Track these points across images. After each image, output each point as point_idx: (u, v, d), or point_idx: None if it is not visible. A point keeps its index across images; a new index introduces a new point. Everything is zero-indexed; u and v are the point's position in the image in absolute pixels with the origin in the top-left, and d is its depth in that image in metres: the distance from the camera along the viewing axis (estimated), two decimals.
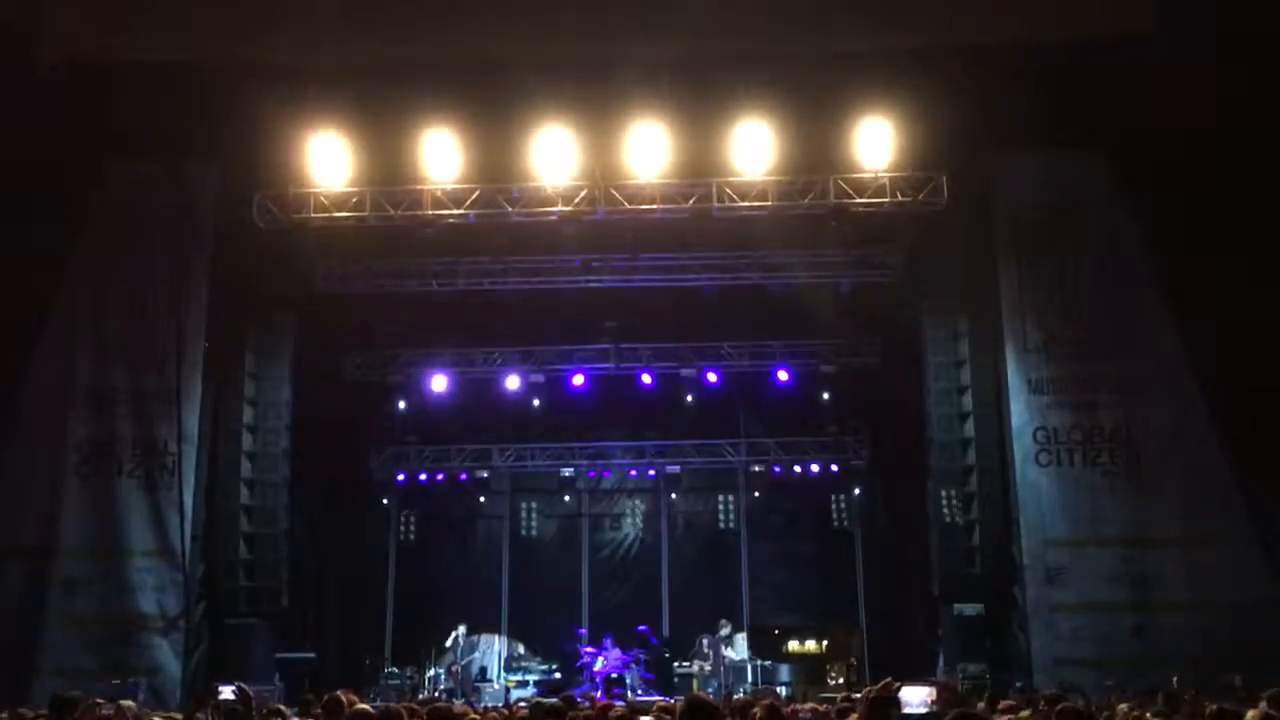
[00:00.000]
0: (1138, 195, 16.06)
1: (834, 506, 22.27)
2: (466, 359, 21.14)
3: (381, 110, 15.63)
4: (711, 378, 20.64)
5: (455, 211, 16.39)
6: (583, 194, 16.22)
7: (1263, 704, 8.38)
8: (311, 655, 18.60)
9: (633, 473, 22.53)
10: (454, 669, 19.70)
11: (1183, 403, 16.02)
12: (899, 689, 11.89)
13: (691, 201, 16.35)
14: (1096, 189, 16.55)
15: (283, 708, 10.10)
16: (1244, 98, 14.14)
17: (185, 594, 16.04)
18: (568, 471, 21.95)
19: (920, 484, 18.31)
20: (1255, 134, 14.20)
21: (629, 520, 23.06)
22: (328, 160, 15.81)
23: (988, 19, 14.74)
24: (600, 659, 19.58)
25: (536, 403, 20.94)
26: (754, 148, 15.68)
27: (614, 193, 16.23)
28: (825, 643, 19.40)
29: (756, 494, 22.54)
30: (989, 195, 16.75)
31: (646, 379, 20.73)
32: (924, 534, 18.36)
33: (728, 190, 16.21)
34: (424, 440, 21.71)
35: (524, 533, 22.95)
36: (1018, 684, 15.64)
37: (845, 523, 22.27)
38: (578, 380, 20.75)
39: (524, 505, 23.04)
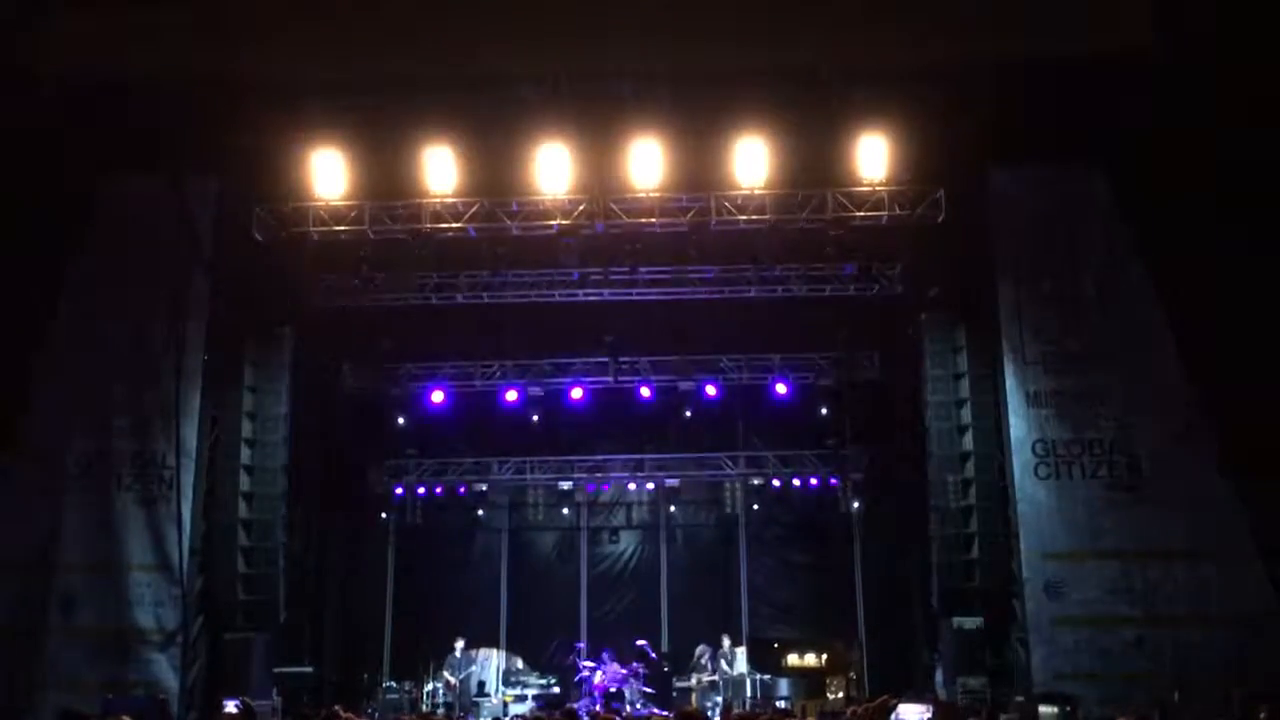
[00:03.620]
0: (1136, 206, 16.07)
1: (832, 519, 22.24)
2: (465, 372, 21.13)
3: (381, 124, 15.68)
4: (710, 391, 20.62)
5: (454, 225, 16.45)
6: (581, 207, 16.28)
7: (1262, 716, 8.40)
8: (310, 669, 18.55)
9: (631, 486, 22.51)
10: (452, 683, 19.66)
11: (1183, 415, 16.00)
12: (895, 706, 11.88)
13: (690, 215, 16.40)
14: (1095, 200, 16.55)
15: None
16: (1243, 104, 14.18)
17: (183, 608, 16.00)
18: (566, 485, 21.93)
19: (919, 497, 18.28)
20: (1255, 140, 14.22)
21: (628, 533, 23.03)
22: (327, 174, 15.85)
23: (985, 34, 14.76)
24: (599, 673, 19.54)
25: (535, 416, 20.94)
26: (752, 162, 15.73)
27: (613, 206, 16.29)
28: (824, 656, 19.32)
29: (755, 507, 22.52)
30: (987, 208, 16.77)
31: (645, 392, 20.70)
32: (923, 547, 18.33)
33: (726, 204, 16.27)
34: (423, 454, 21.69)
35: (522, 546, 22.93)
36: (1018, 698, 15.62)
37: (844, 536, 22.23)
38: (576, 393, 20.73)
39: (523, 518, 23.02)
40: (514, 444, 21.67)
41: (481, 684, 20.29)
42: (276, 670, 17.52)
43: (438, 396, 20.90)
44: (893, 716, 13.37)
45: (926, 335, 18.13)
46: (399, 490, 21.92)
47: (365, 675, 20.35)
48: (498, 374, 21.04)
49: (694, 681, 19.78)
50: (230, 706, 13.53)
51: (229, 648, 16.94)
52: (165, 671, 15.82)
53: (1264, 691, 12.43)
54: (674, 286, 18.67)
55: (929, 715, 14.50)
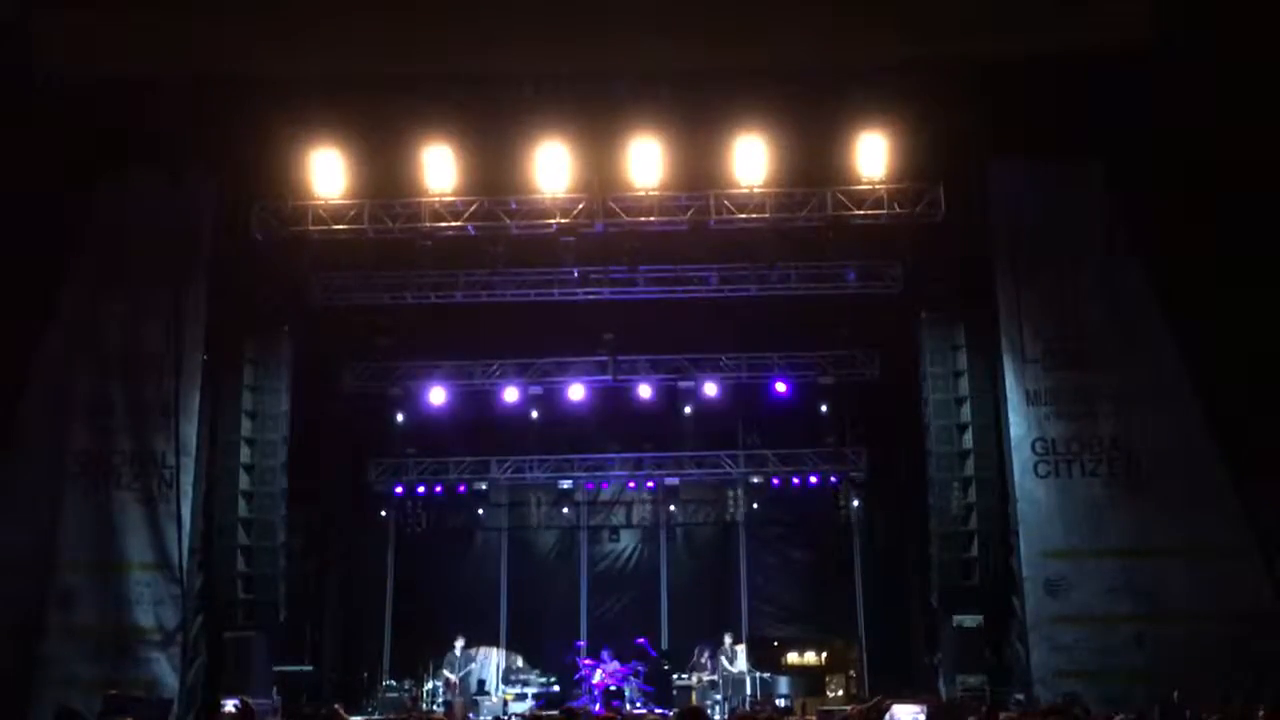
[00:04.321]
0: (1136, 203, 16.06)
1: (832, 518, 22.26)
2: (465, 371, 21.12)
3: (380, 123, 15.67)
4: (710, 389, 20.62)
5: (454, 224, 16.44)
6: (581, 206, 16.28)
7: (1261, 715, 8.41)
8: (309, 668, 18.55)
9: (631, 485, 22.49)
10: (452, 681, 19.66)
11: (1182, 412, 15.99)
12: (889, 706, 11.88)
13: (690, 214, 16.39)
14: (1094, 197, 16.55)
15: None
16: (1242, 101, 14.18)
17: (183, 607, 16.00)
18: (566, 483, 21.91)
19: (919, 495, 18.30)
20: (1254, 137, 14.22)
21: (627, 532, 23.04)
22: (326, 172, 15.85)
23: (984, 30, 14.76)
24: (599, 671, 19.54)
25: (535, 415, 20.94)
26: (752, 160, 15.74)
27: (612, 205, 16.29)
28: (824, 655, 19.35)
29: (755, 505, 22.53)
30: (986, 206, 16.77)
31: (645, 391, 20.71)
32: (923, 545, 18.35)
33: (726, 202, 16.26)
34: (422, 452, 21.67)
35: (522, 545, 22.93)
36: (1018, 696, 15.63)
37: (844, 534, 22.25)
38: (576, 392, 20.73)
39: (522, 517, 23.02)
40: (513, 443, 21.66)
41: (481, 682, 20.29)
42: (276, 669, 17.56)
43: (437, 395, 20.89)
44: (887, 717, 13.39)
45: (926, 333, 18.14)
46: (398, 489, 21.91)
47: (365, 674, 20.36)
48: (497, 373, 21.03)
49: (694, 680, 19.79)
50: (229, 706, 13.54)
51: (229, 646, 16.96)
52: (165, 671, 15.81)
53: (1264, 690, 12.44)
54: (673, 285, 18.67)
55: (923, 715, 14.51)
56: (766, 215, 16.32)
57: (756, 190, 16.12)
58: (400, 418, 21.33)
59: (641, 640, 20.16)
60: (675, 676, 19.97)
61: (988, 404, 17.34)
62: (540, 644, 21.60)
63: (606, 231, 16.60)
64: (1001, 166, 16.66)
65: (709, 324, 19.59)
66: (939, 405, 17.86)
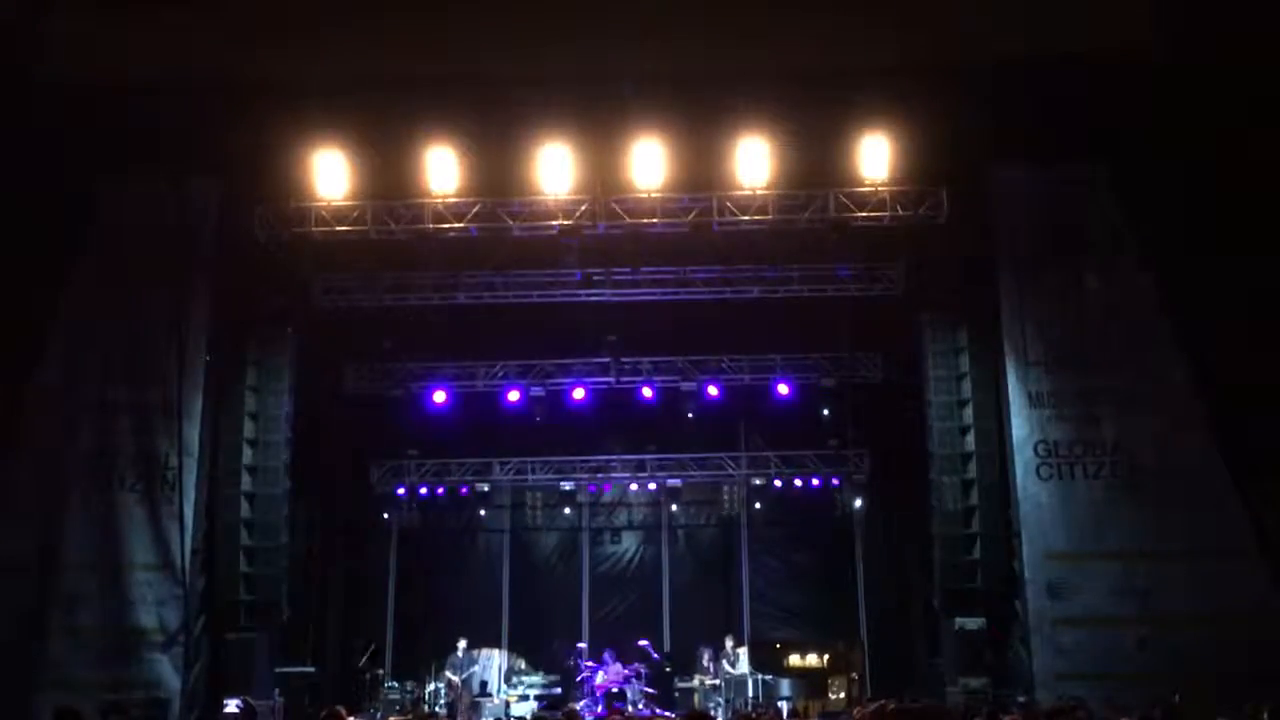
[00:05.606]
0: (1137, 205, 16.09)
1: (834, 520, 22.24)
2: (467, 373, 21.12)
3: (383, 124, 15.72)
4: (712, 391, 20.61)
5: (456, 225, 16.46)
6: (584, 208, 16.29)
7: (1264, 717, 8.40)
8: (312, 669, 18.55)
9: (633, 486, 22.49)
10: (454, 683, 19.65)
11: (1183, 414, 16.00)
12: (893, 710, 11.84)
13: (692, 215, 16.41)
14: (1096, 199, 16.58)
15: None
16: (1242, 101, 14.18)
17: (185, 608, 16.03)
18: (568, 485, 21.87)
19: (921, 497, 18.28)
20: (1254, 137, 14.21)
21: (629, 534, 23.03)
22: (329, 174, 15.90)
23: (986, 33, 14.78)
24: (600, 673, 19.53)
25: (537, 416, 20.94)
26: (754, 162, 15.77)
27: (615, 207, 16.31)
28: (826, 657, 19.32)
29: (757, 507, 22.50)
30: (989, 208, 16.78)
31: (647, 392, 20.70)
32: (925, 547, 18.33)
33: (728, 204, 16.28)
34: (424, 454, 21.67)
35: (524, 546, 22.93)
36: (1020, 698, 15.60)
37: (846, 536, 22.23)
38: (578, 394, 20.73)
39: (524, 519, 23.03)
40: (515, 444, 21.65)
41: (484, 684, 20.27)
42: (278, 670, 17.53)
43: (439, 397, 20.89)
44: None
45: (928, 336, 18.13)
46: (401, 490, 21.91)
47: (367, 675, 20.34)
48: (500, 374, 21.03)
49: (696, 682, 19.77)
50: (232, 706, 13.58)
51: (231, 647, 16.98)
52: (167, 671, 15.86)
53: (1265, 692, 12.40)
54: (676, 287, 18.66)
55: None
56: (769, 217, 16.34)
57: (759, 192, 16.13)
58: (402, 419, 21.32)
59: (644, 642, 20.15)
60: (677, 679, 19.95)
61: (990, 406, 17.33)
62: (542, 646, 21.59)
63: (609, 233, 16.62)
64: (1003, 168, 16.70)
65: (711, 326, 19.57)
66: (941, 407, 17.85)
